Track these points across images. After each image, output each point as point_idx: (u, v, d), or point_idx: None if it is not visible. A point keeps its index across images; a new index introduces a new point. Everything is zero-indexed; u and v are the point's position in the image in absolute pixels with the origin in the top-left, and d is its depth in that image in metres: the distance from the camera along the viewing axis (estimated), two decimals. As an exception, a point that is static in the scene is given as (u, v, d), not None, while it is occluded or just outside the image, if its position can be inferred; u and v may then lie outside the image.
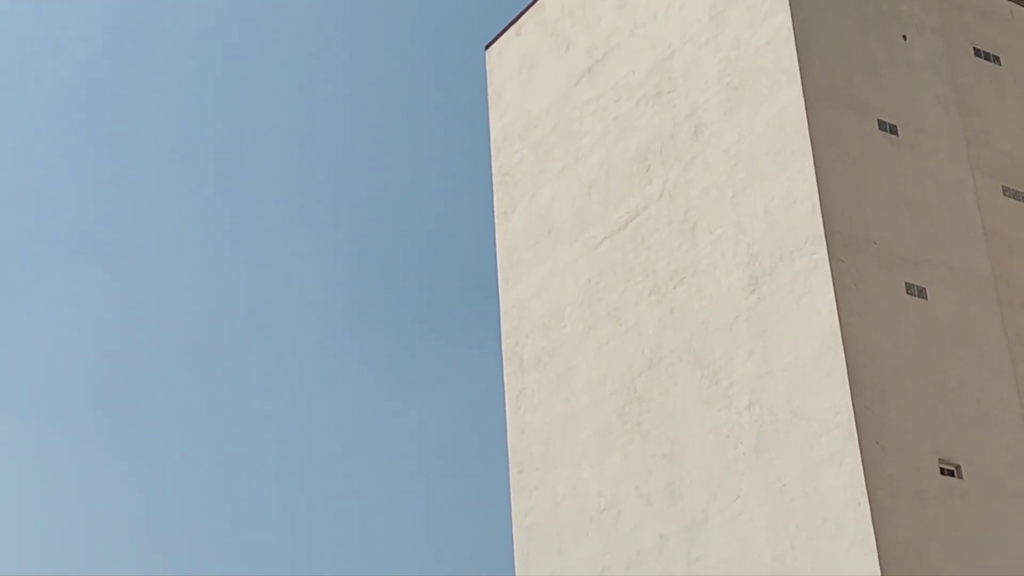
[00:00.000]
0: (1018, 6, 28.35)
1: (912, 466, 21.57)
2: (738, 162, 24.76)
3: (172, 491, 75.91)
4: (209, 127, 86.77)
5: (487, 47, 32.24)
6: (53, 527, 73.13)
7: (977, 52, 27.01)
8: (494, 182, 30.83)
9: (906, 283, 23.16)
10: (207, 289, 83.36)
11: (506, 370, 29.09)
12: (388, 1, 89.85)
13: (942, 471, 21.76)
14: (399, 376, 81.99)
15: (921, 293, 23.23)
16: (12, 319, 77.66)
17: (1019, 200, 25.76)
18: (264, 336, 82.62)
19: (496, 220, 30.47)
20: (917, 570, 20.65)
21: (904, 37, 25.83)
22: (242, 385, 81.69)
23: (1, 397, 78.73)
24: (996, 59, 27.22)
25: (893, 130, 24.59)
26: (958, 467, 21.98)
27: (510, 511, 28.02)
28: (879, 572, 20.22)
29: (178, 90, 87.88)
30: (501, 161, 30.76)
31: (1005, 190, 25.63)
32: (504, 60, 31.70)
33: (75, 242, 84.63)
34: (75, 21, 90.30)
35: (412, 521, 76.76)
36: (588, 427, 26.52)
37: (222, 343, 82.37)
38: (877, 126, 24.45)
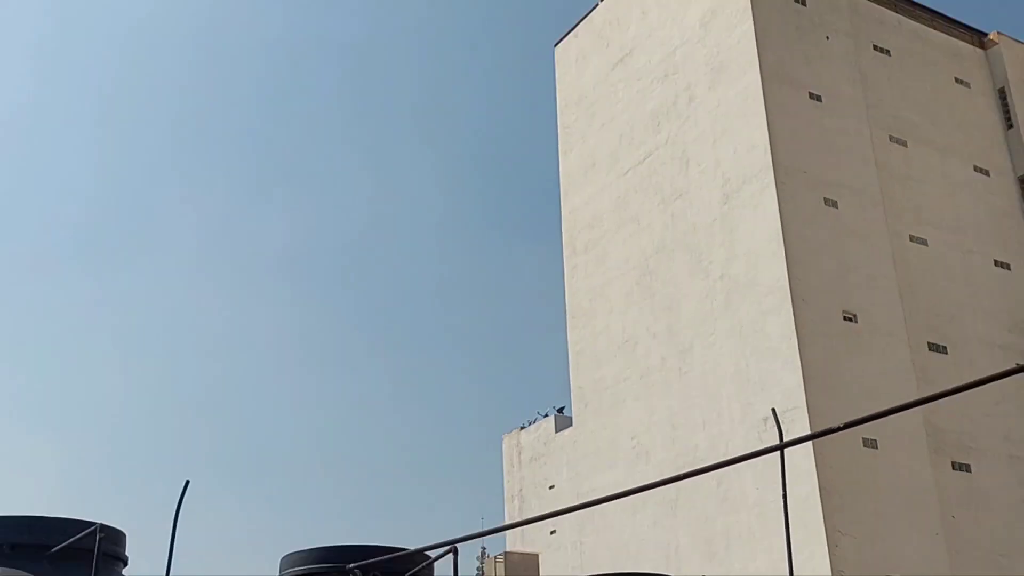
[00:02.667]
0: (904, 17, 27.98)
1: (823, 313, 21.86)
2: (717, 120, 24.85)
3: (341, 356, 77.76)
4: (348, 99, 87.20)
5: (555, 45, 32.18)
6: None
7: (876, 47, 26.74)
8: (559, 132, 31.01)
9: (824, 198, 23.29)
10: (355, 196, 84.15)
11: (565, 253, 29.53)
12: (470, 8, 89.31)
13: (845, 317, 22.05)
14: (494, 260, 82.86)
15: (834, 205, 23.35)
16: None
17: (901, 145, 25.69)
18: (395, 234, 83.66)
19: (560, 157, 30.71)
20: (831, 380, 21.08)
21: (827, 38, 25.61)
22: (393, 262, 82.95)
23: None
24: (887, 52, 26.94)
25: (818, 99, 24.59)
26: (855, 315, 22.24)
27: (566, 342, 28.56)
28: (802, 378, 20.67)
29: (328, 45, 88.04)
30: (564, 118, 30.93)
31: (892, 138, 25.56)
32: (566, 53, 31.70)
33: (240, 173, 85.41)
34: None
35: (494, 350, 78.07)
36: (617, 289, 26.94)
37: (370, 236, 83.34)
38: (808, 96, 24.42)
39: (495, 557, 29.64)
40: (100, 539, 5.92)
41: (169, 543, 7.48)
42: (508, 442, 34.87)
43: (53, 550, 6.19)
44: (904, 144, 25.81)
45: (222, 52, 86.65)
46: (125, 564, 6.76)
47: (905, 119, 26.27)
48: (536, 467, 33.23)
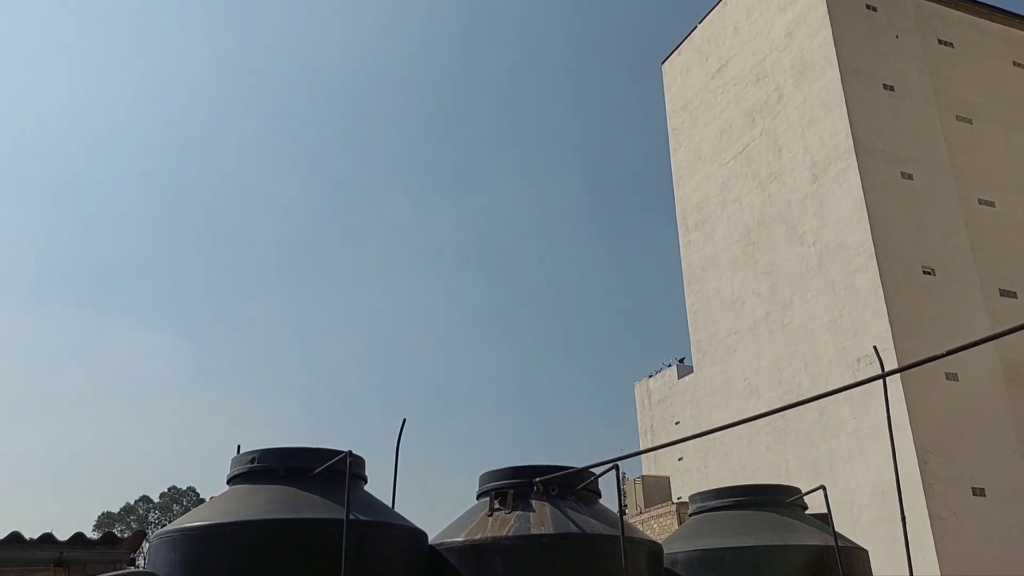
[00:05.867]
0: (963, 13, 26.37)
1: (905, 269, 20.97)
2: (804, 112, 24.05)
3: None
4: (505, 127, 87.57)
5: (662, 63, 31.68)
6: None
7: (940, 41, 25.33)
8: (669, 133, 30.58)
9: (901, 172, 22.27)
10: (509, 196, 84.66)
11: (679, 232, 29.16)
12: (608, 41, 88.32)
13: (924, 272, 21.08)
14: (622, 242, 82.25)
15: (909, 177, 22.30)
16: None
17: (967, 122, 24.29)
18: (541, 224, 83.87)
19: (671, 153, 30.27)
20: (914, 325, 20.24)
21: (897, 36, 24.41)
22: (540, 248, 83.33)
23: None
24: (951, 44, 25.48)
25: (891, 88, 23.46)
26: (933, 269, 21.24)
27: (684, 304, 28.25)
28: (889, 324, 19.91)
29: (484, 77, 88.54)
30: (673, 122, 30.46)
31: (958, 118, 24.19)
32: (672, 68, 31.16)
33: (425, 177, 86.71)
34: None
35: (626, 314, 77.56)
36: (724, 259, 26.46)
37: (523, 227, 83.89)
38: (882, 87, 23.34)
39: (634, 480, 29.66)
40: (349, 463, 6.23)
41: (394, 467, 7.81)
42: (639, 388, 34.76)
43: (315, 472, 6.55)
44: (969, 122, 24.40)
45: (400, 90, 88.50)
46: (365, 482, 7.10)
47: (969, 100, 24.82)
48: (663, 408, 33.03)
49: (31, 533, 8.04)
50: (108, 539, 8.56)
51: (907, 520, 7.20)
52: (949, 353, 5.66)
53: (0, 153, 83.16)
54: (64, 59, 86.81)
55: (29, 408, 75.95)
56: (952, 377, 19.90)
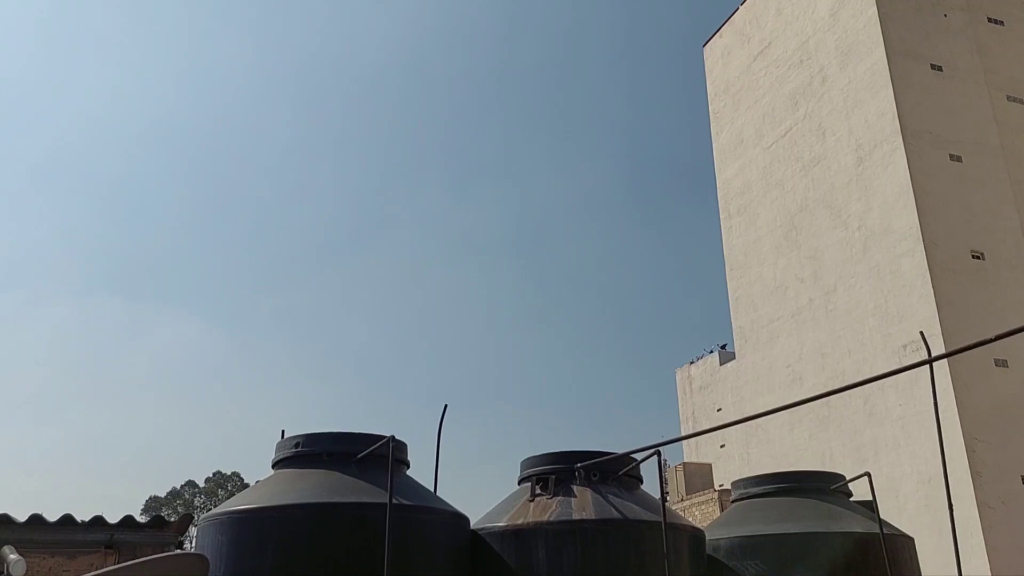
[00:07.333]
0: (1015, -11, 25.74)
1: (953, 253, 20.54)
2: (848, 94, 23.61)
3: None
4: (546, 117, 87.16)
5: (703, 45, 31.30)
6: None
7: (989, 19, 24.68)
8: (711, 118, 30.20)
9: (949, 154, 21.78)
10: (547, 182, 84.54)
11: (721, 216, 28.84)
12: (637, 29, 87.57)
13: (972, 256, 20.63)
14: (663, 227, 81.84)
15: (958, 159, 21.81)
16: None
17: (1018, 103, 23.66)
18: (591, 207, 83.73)
19: (712, 137, 29.92)
20: (963, 310, 19.85)
21: (945, 15, 23.84)
22: (581, 234, 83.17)
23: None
24: (1001, 22, 24.83)
25: (939, 68, 22.92)
26: (982, 253, 20.77)
27: (726, 290, 27.99)
28: (936, 310, 19.55)
29: (518, 64, 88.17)
30: (714, 105, 30.09)
31: (1009, 98, 23.58)
32: (713, 51, 30.77)
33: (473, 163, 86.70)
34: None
35: (667, 300, 77.20)
36: (767, 244, 26.14)
37: (561, 213, 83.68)
38: (929, 67, 22.82)
39: (675, 467, 29.54)
40: (392, 447, 6.30)
41: (435, 452, 7.87)
42: (680, 375, 34.59)
43: (358, 456, 6.63)
44: (1020, 102, 23.75)
45: (439, 77, 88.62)
46: (408, 467, 7.18)
47: (1020, 80, 24.15)
48: (705, 394, 32.82)
49: (82, 516, 8.24)
50: (157, 522, 8.75)
51: (954, 508, 7.09)
52: (998, 338, 5.54)
53: (49, 150, 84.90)
54: (106, 57, 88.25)
55: (79, 396, 77.79)
56: (1001, 363, 19.48)
